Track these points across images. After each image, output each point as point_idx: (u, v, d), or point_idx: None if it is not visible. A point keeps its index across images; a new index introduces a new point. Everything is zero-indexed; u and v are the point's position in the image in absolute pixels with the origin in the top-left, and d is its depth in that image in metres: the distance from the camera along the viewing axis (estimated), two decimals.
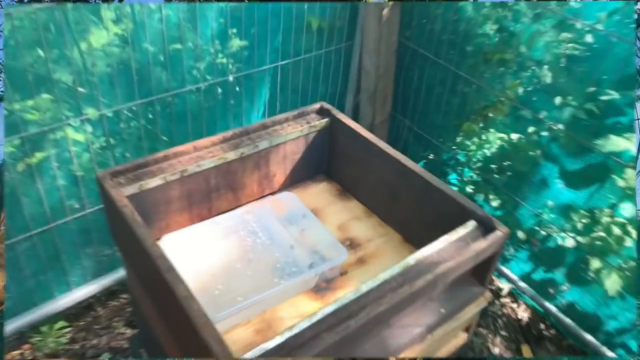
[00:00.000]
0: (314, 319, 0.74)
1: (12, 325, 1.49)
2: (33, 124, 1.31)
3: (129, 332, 1.62)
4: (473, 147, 1.85)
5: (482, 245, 0.88)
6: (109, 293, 1.73)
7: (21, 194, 1.35)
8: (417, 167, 1.03)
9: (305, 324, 0.73)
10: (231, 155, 1.05)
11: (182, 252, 0.98)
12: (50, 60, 1.26)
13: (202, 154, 1.03)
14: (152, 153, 1.00)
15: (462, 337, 1.08)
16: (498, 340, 1.76)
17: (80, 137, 1.40)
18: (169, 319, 0.87)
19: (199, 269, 0.95)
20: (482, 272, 0.96)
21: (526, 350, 1.72)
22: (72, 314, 1.66)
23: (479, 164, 1.84)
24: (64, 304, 1.56)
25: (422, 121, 1.97)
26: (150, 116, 1.51)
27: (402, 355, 0.90)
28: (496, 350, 1.72)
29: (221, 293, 0.92)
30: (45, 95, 1.31)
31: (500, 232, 0.89)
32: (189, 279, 0.91)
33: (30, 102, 1.29)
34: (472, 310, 0.99)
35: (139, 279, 1.00)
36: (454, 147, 1.91)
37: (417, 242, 1.07)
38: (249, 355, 0.68)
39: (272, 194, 1.18)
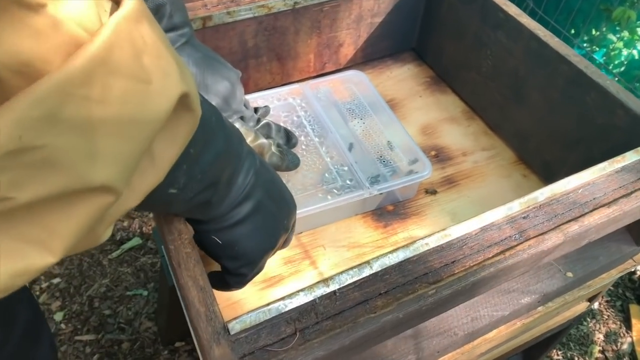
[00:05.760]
0: (364, 273, 0.44)
1: None
2: None
3: None
4: (619, 45, 1.37)
5: None
6: None
7: None
8: (566, 48, 0.64)
9: (347, 278, 0.44)
10: (279, 4, 0.71)
11: None
12: None
13: None
14: None
15: (581, 307, 0.76)
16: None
17: None
18: None
19: None
20: None
21: (635, 312, 1.37)
22: None
23: (622, 68, 1.37)
24: None
25: (552, 3, 1.48)
26: None
27: (491, 335, 0.60)
28: (595, 305, 1.39)
29: None
30: None
31: None
32: None
33: None
34: (611, 277, 0.66)
35: None
36: (589, 42, 1.43)
37: (539, 165, 0.72)
38: (248, 317, 0.40)
39: (336, 72, 0.85)
